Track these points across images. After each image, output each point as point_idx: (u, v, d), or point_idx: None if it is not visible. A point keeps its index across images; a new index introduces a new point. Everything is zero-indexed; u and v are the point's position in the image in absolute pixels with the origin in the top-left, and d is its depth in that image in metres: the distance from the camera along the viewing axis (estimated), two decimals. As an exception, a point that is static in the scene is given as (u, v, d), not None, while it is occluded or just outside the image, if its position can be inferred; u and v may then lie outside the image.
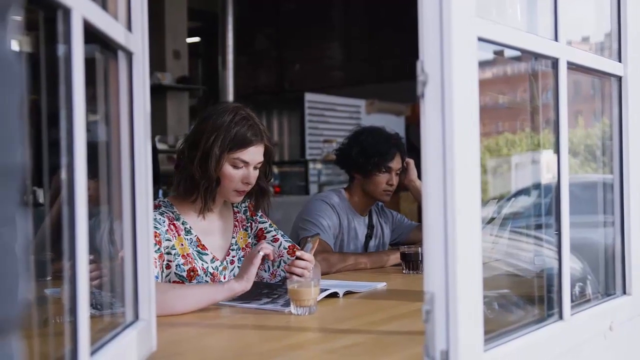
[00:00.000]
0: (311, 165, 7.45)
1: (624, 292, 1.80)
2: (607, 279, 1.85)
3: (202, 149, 2.13)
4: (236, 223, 2.36)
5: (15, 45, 0.61)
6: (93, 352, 1.09)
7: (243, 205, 2.40)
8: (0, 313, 0.56)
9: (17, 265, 0.58)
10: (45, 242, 1.57)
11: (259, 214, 2.41)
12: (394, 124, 6.57)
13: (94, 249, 1.13)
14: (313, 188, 7.33)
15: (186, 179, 2.18)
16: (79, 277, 1.01)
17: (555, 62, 1.50)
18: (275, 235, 2.38)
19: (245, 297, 2.03)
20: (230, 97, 8.78)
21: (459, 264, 1.15)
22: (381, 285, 2.33)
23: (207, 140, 2.13)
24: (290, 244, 2.36)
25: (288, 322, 1.79)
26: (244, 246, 2.35)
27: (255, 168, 2.21)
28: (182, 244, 2.16)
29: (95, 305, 1.28)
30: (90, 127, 1.11)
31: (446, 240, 1.16)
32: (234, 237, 2.33)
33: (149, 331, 1.39)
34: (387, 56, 9.27)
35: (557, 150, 1.52)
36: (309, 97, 8.01)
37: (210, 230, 2.27)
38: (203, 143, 2.13)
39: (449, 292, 1.16)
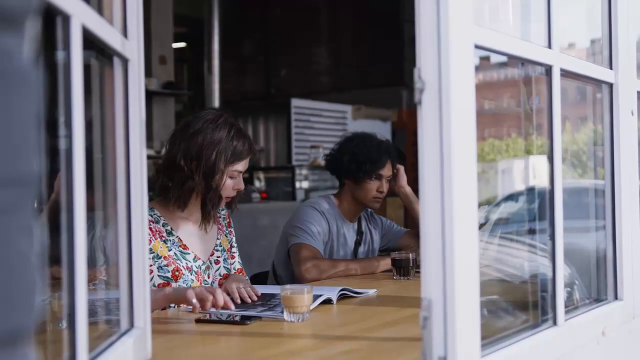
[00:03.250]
0: (298, 171, 7.43)
1: (616, 298, 1.81)
2: (598, 284, 1.86)
3: (205, 164, 2.21)
4: (219, 226, 2.44)
5: (32, 53, 0.60)
6: (90, 361, 1.08)
7: (223, 212, 2.49)
8: (18, 322, 0.56)
9: (33, 274, 0.58)
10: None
11: (232, 227, 2.52)
12: (380, 130, 6.57)
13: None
14: (300, 194, 7.32)
15: (187, 191, 2.24)
16: (78, 285, 1.00)
17: (549, 69, 1.51)
18: (235, 253, 2.49)
19: (240, 306, 2.03)
20: (216, 102, 8.77)
21: (457, 271, 1.15)
22: (372, 292, 2.33)
23: (209, 156, 2.21)
24: (240, 267, 2.48)
25: (282, 329, 1.79)
26: (227, 249, 2.44)
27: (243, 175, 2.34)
28: (161, 247, 2.22)
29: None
30: (86, 134, 1.10)
31: (444, 246, 1.16)
32: (218, 239, 2.41)
33: (144, 339, 1.38)
34: (374, 62, 9.29)
35: (550, 156, 1.52)
36: (295, 102, 8.00)
37: (194, 232, 2.33)
38: (205, 158, 2.20)
39: (447, 299, 1.16)
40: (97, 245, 1.45)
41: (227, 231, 2.48)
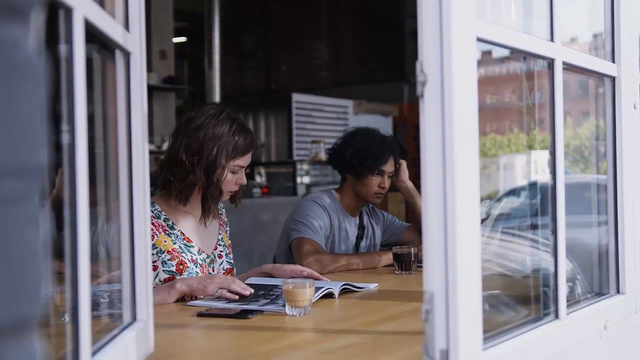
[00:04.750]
0: (299, 166, 7.43)
1: (618, 292, 1.81)
2: (601, 278, 1.86)
3: (206, 159, 2.22)
4: (221, 222, 2.47)
5: (38, 44, 0.60)
6: (93, 353, 1.08)
7: (223, 209, 2.52)
8: (24, 311, 0.56)
9: (39, 264, 0.58)
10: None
11: (228, 226, 2.54)
12: (381, 125, 6.57)
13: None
14: (301, 189, 7.32)
15: (188, 186, 2.26)
16: (81, 278, 1.00)
17: (551, 63, 1.51)
18: (229, 252, 2.49)
19: (242, 298, 2.03)
20: (217, 97, 8.77)
21: (459, 264, 1.15)
22: (374, 286, 2.34)
23: (210, 151, 2.22)
24: (229, 267, 2.46)
25: (283, 323, 1.79)
26: (227, 245, 2.47)
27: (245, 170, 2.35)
28: (165, 241, 2.24)
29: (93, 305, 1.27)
30: (88, 128, 1.10)
31: (446, 240, 1.16)
32: (220, 234, 2.43)
33: (146, 332, 1.39)
34: (375, 57, 9.29)
35: (553, 151, 1.52)
36: (296, 97, 7.99)
37: (196, 227, 2.35)
38: (206, 153, 2.22)
39: (449, 292, 1.16)
40: (99, 240, 1.45)
41: (226, 228, 2.51)
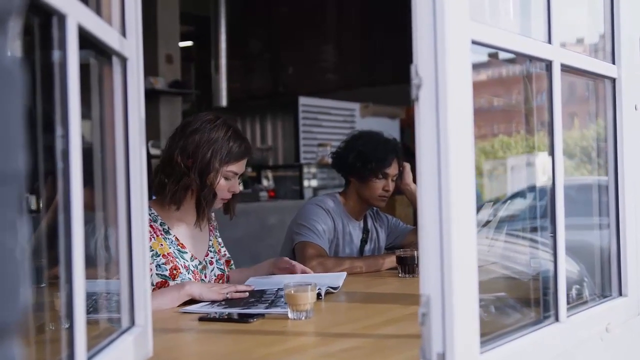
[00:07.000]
0: (306, 169, 7.43)
1: (620, 294, 1.80)
2: (603, 280, 1.85)
3: (200, 162, 2.24)
4: (211, 228, 2.49)
5: (16, 51, 0.61)
6: (90, 358, 1.09)
7: (212, 213, 2.53)
8: (2, 317, 0.56)
9: (18, 270, 0.58)
10: (39, 248, 1.57)
11: (217, 230, 2.55)
12: (388, 127, 6.58)
13: (89, 255, 1.13)
14: (307, 192, 7.32)
15: (182, 188, 2.27)
16: (76, 283, 1.01)
17: (549, 65, 1.50)
18: (219, 258, 2.48)
19: (235, 304, 2.02)
20: (224, 101, 8.77)
21: (455, 267, 1.15)
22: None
23: (204, 154, 2.25)
24: (220, 273, 2.45)
25: (285, 327, 1.79)
26: (217, 250, 2.48)
27: (239, 177, 2.37)
28: (161, 244, 2.26)
29: (90, 310, 1.28)
30: (84, 133, 1.10)
31: (442, 242, 1.16)
32: (210, 240, 2.45)
33: (145, 337, 1.39)
34: (382, 59, 9.28)
35: (551, 152, 1.52)
36: (303, 100, 7.99)
37: (189, 232, 2.37)
38: (200, 156, 2.24)
39: (445, 295, 1.16)
40: (102, 245, 1.46)
41: (216, 233, 2.53)
